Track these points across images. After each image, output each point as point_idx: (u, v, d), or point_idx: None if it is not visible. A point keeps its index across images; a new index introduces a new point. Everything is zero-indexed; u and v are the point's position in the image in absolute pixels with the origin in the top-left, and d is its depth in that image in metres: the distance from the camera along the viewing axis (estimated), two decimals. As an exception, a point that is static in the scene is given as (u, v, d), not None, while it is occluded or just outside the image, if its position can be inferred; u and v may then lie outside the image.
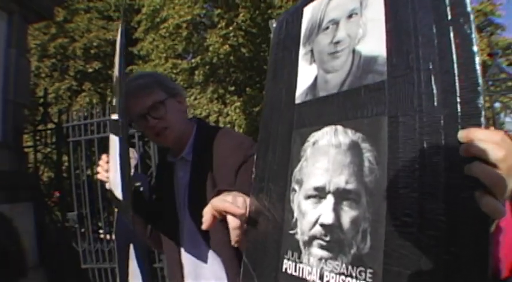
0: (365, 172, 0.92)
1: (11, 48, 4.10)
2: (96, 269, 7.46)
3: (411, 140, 0.85)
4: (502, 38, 23.67)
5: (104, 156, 1.92)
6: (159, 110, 1.84)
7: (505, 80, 7.55)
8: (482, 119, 0.75)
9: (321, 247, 0.98)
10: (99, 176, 1.92)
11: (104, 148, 7.49)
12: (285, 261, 1.08)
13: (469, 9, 0.82)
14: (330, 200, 0.98)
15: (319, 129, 1.08)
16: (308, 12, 1.26)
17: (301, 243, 1.04)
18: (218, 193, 1.30)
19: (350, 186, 0.94)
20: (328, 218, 0.97)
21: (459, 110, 0.79)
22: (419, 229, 0.78)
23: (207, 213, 1.18)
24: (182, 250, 1.93)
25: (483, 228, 0.70)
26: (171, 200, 1.98)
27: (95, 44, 21.02)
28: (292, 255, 1.06)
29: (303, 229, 1.05)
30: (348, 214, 0.93)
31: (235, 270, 1.66)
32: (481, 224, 0.71)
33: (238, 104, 17.43)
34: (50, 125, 8.55)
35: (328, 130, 1.06)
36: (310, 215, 1.03)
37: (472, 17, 0.82)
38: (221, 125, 17.35)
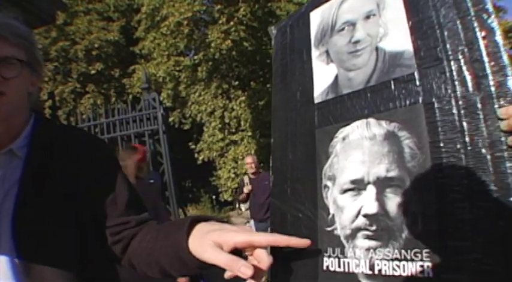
0: (406, 158, 0.99)
1: (16, 53, 4.12)
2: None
3: (451, 123, 0.95)
4: (504, 20, 23.67)
5: None
6: (12, 69, 1.31)
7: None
8: (516, 97, 0.87)
9: (368, 237, 1.01)
10: None
11: (113, 148, 7.60)
12: (326, 259, 1.09)
13: (489, 5, 0.95)
14: (371, 190, 1.03)
15: (348, 124, 1.14)
16: (316, 16, 1.34)
17: (342, 238, 1.07)
18: (192, 224, 1.10)
19: (392, 174, 1.00)
20: (372, 208, 1.01)
21: (493, 92, 0.91)
22: (471, 201, 0.87)
23: (232, 258, 0.93)
24: None
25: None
26: None
27: (96, 45, 21.20)
28: (334, 252, 1.08)
29: (343, 223, 1.08)
30: (393, 201, 0.98)
31: None
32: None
33: (243, 98, 17.50)
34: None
35: (359, 124, 1.11)
36: (350, 208, 1.07)
37: (493, 11, 0.94)
38: (227, 120, 17.43)
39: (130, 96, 17.52)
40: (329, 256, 1.09)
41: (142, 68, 18.79)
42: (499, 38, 0.92)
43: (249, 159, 7.71)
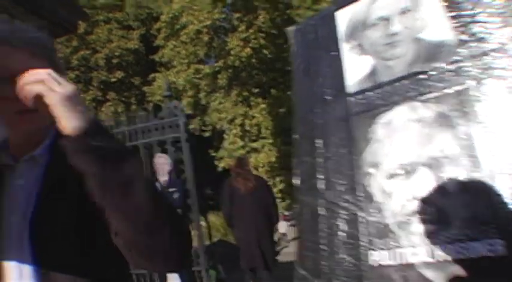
0: (461, 136, 0.98)
1: (41, 63, 4.19)
2: (134, 274, 7.52)
3: (503, 99, 0.97)
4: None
5: None
6: None
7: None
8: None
9: (425, 221, 0.97)
10: None
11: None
12: (372, 252, 1.03)
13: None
14: (424, 171, 1.00)
15: (390, 109, 1.14)
16: (344, 15, 1.38)
17: (393, 226, 1.02)
18: None
19: (447, 153, 0.99)
20: (427, 190, 0.98)
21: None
22: None
23: None
24: None
25: None
26: None
27: (116, 53, 21.49)
28: (383, 243, 1.02)
29: (393, 210, 1.04)
30: (449, 180, 0.96)
31: None
32: None
33: (263, 105, 17.50)
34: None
35: (404, 108, 1.12)
36: (401, 193, 1.03)
37: None
38: (247, 127, 17.42)
39: (151, 104, 17.65)
40: (377, 248, 1.03)
41: (163, 76, 18.93)
42: None
43: None
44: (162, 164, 6.92)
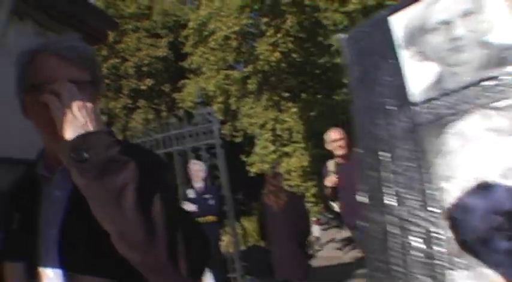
0: None
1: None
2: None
3: None
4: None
5: None
6: (82, 93, 1.24)
7: None
8: None
9: (509, 238, 0.91)
10: None
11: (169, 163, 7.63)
12: (451, 272, 0.98)
13: None
14: (504, 184, 0.95)
15: (460, 118, 1.09)
16: (399, 20, 1.33)
17: (472, 244, 0.97)
18: None
19: None
20: (510, 204, 0.93)
21: None
22: None
23: None
24: None
25: None
26: (30, 233, 1.34)
27: (145, 61, 21.87)
28: (461, 262, 0.97)
29: (472, 226, 0.99)
30: None
31: None
32: None
33: (294, 109, 17.48)
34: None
35: (476, 117, 1.06)
36: (480, 207, 0.99)
37: None
38: (278, 132, 17.41)
39: (181, 111, 17.80)
40: (456, 268, 0.98)
41: (194, 83, 19.06)
42: None
43: (334, 134, 4.83)
44: (197, 170, 6.94)
